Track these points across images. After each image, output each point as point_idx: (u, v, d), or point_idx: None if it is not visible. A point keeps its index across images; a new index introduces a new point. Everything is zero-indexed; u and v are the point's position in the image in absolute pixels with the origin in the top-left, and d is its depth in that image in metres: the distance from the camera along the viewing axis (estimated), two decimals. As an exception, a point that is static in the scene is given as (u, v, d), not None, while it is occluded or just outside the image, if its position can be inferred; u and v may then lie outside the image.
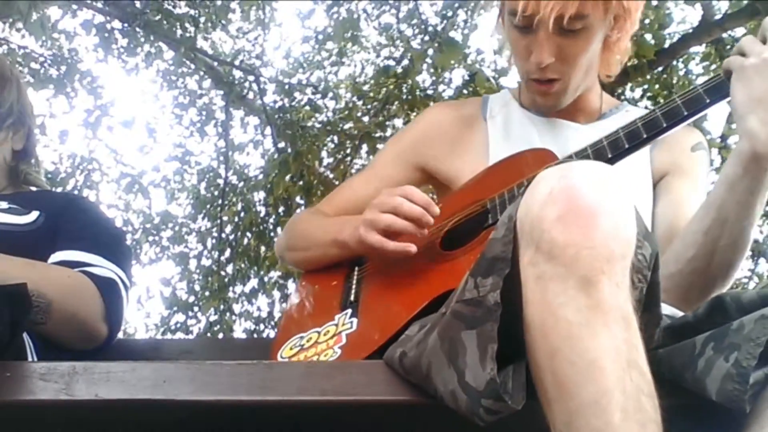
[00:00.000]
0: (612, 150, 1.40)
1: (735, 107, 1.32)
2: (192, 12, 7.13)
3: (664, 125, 1.38)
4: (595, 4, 1.45)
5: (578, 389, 0.90)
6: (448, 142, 1.71)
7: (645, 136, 1.39)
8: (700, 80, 1.53)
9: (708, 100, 1.36)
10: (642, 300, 1.02)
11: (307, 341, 1.44)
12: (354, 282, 1.56)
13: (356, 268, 1.60)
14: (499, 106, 1.73)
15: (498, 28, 1.67)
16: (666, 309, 1.21)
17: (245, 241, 7.95)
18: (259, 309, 8.39)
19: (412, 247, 1.40)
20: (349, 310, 1.48)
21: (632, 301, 0.96)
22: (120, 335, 1.58)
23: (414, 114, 6.67)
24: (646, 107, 6.26)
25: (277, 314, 8.13)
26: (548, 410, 0.94)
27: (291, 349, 1.44)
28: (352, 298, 1.52)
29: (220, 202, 7.96)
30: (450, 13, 6.11)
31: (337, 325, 1.44)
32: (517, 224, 0.99)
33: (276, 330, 1.61)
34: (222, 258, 8.07)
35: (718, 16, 5.66)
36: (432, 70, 6.50)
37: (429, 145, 1.72)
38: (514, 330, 0.98)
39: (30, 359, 1.36)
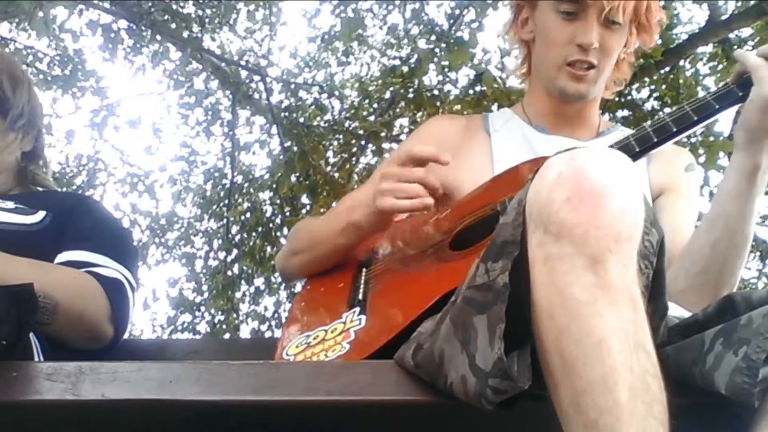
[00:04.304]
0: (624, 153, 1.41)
1: (751, 127, 1.36)
2: (199, 12, 7.14)
3: (674, 130, 1.42)
4: (629, 3, 1.56)
5: (585, 369, 0.90)
6: (451, 151, 1.71)
7: (655, 140, 1.42)
8: (708, 81, 1.58)
9: (717, 107, 1.40)
10: (648, 287, 1.02)
11: (314, 339, 1.44)
12: (362, 282, 1.56)
13: (364, 269, 1.61)
14: (501, 122, 1.77)
15: (516, 27, 1.74)
16: (675, 310, 1.21)
17: (251, 241, 7.96)
18: (265, 308, 8.41)
19: (429, 199, 1.42)
20: (358, 308, 1.47)
21: (639, 285, 0.96)
22: (126, 336, 1.58)
23: (420, 114, 6.67)
24: (652, 107, 6.27)
25: (283, 314, 8.15)
26: (554, 392, 0.95)
27: (297, 347, 1.44)
28: (360, 296, 1.51)
29: (226, 202, 7.97)
30: (457, 13, 6.10)
31: (345, 322, 1.44)
32: (526, 207, 1.00)
33: (281, 330, 1.61)
34: (228, 258, 8.08)
35: (724, 17, 5.65)
36: (439, 70, 6.49)
37: None
38: (522, 316, 0.98)
39: (36, 359, 1.36)
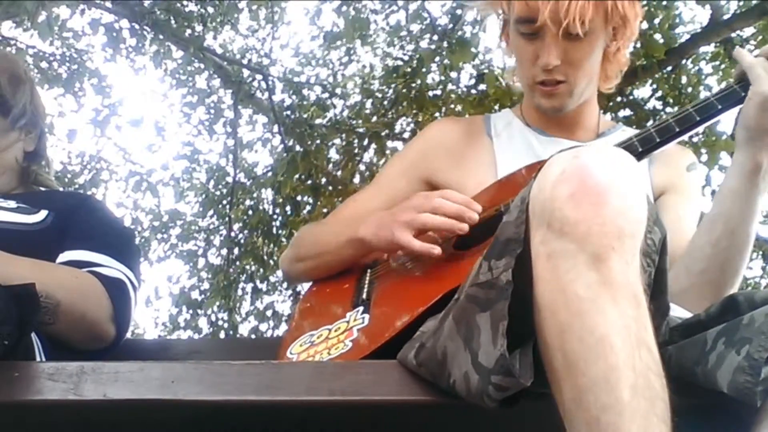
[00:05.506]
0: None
1: (749, 125, 1.37)
2: (201, 11, 7.14)
3: (677, 130, 1.42)
4: (596, 11, 1.51)
5: (588, 366, 0.90)
6: (453, 155, 1.73)
7: (658, 140, 1.43)
8: (710, 80, 1.58)
9: (720, 107, 1.41)
10: (650, 285, 1.03)
11: (318, 338, 1.44)
12: (366, 282, 1.57)
13: (368, 271, 1.61)
14: (503, 125, 1.77)
15: (502, 40, 1.74)
16: (677, 311, 1.21)
17: (253, 239, 7.96)
18: (265, 307, 8.40)
19: (437, 249, 1.41)
20: (361, 307, 1.48)
21: (642, 283, 0.97)
22: (128, 335, 1.58)
23: (422, 114, 6.67)
24: (654, 107, 6.26)
25: (283, 312, 8.16)
26: (556, 389, 0.95)
27: (301, 345, 1.44)
28: (364, 296, 1.52)
29: (228, 200, 7.97)
30: (459, 12, 6.09)
31: (348, 321, 1.44)
32: (530, 205, 1.00)
33: (285, 330, 1.61)
34: (230, 256, 8.08)
35: (726, 16, 5.65)
36: (441, 70, 6.49)
37: (434, 157, 1.74)
38: (525, 313, 0.98)
39: (38, 359, 1.36)
